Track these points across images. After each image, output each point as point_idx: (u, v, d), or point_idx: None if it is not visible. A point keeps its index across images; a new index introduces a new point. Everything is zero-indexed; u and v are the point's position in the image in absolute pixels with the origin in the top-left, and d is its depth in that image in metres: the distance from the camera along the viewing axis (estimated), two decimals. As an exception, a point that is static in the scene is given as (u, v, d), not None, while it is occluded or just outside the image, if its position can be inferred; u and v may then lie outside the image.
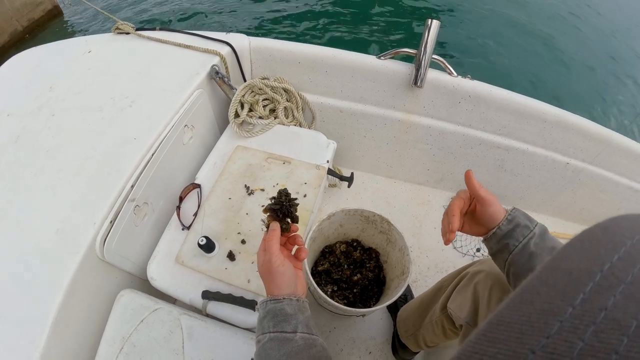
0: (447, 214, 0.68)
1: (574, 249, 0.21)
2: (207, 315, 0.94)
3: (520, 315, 0.18)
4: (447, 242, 0.68)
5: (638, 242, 0.19)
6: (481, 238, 0.70)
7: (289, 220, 0.72)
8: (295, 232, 0.73)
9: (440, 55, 1.22)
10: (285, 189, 0.72)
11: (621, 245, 0.19)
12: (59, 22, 4.90)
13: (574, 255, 0.20)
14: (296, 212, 0.72)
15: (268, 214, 0.70)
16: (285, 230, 0.70)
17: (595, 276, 0.18)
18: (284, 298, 0.61)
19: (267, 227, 0.70)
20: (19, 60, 1.41)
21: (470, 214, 0.70)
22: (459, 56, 3.72)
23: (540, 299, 0.19)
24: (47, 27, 4.79)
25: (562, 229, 1.63)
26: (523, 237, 0.63)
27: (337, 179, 1.33)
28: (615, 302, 0.17)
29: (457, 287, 0.84)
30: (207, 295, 0.93)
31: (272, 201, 0.70)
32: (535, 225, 0.64)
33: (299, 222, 1.03)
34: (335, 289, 1.23)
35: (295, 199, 0.72)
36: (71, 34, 4.61)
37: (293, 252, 0.72)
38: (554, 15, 4.56)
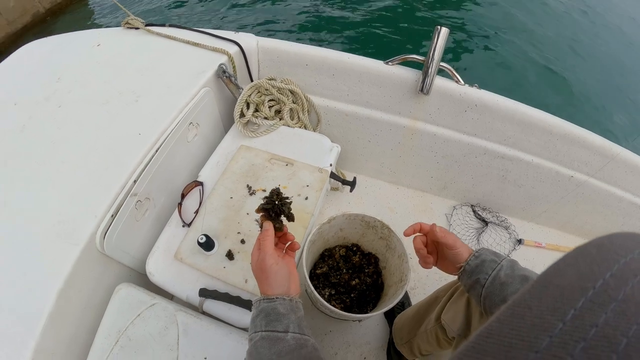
0: (417, 253, 0.78)
1: (567, 265, 0.21)
2: (203, 313, 0.94)
3: (511, 328, 0.18)
4: (425, 266, 0.78)
5: (631, 260, 0.20)
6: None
7: (282, 219, 0.72)
8: (286, 231, 0.74)
9: (449, 63, 1.22)
10: (278, 188, 0.73)
11: (614, 263, 0.19)
12: (80, 6, 4.96)
13: (566, 270, 0.21)
14: (290, 210, 0.73)
15: (261, 213, 0.71)
16: (278, 229, 0.71)
17: (587, 292, 0.18)
18: (277, 297, 0.62)
19: (261, 226, 0.71)
20: (28, 50, 1.42)
21: (441, 253, 0.77)
22: (468, 65, 3.70)
23: (531, 313, 0.19)
24: (68, 11, 4.85)
25: (564, 242, 1.62)
26: (492, 270, 0.65)
27: (339, 183, 1.32)
28: (607, 319, 0.17)
29: (451, 299, 0.84)
30: (204, 293, 0.93)
31: (265, 201, 0.71)
32: (503, 259, 0.67)
33: (299, 225, 1.04)
34: (333, 292, 1.22)
35: (287, 197, 0.73)
36: (90, 20, 4.67)
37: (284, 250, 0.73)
38: (569, 26, 4.53)
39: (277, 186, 1.10)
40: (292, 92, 1.37)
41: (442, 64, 1.19)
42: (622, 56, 4.23)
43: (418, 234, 0.78)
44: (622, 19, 4.94)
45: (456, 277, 0.75)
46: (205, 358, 0.84)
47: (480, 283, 0.66)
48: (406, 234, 0.77)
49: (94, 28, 1.53)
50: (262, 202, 0.71)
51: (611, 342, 0.16)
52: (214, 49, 1.30)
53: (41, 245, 0.89)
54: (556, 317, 0.18)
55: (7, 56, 1.40)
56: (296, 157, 1.20)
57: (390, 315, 1.30)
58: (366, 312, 1.17)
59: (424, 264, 0.77)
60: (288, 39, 1.38)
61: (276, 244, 0.73)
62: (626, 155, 1.28)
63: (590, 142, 1.27)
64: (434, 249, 0.78)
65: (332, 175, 1.21)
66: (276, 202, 0.71)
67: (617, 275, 0.19)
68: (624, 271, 0.19)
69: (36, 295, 0.83)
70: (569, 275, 0.20)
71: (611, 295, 0.18)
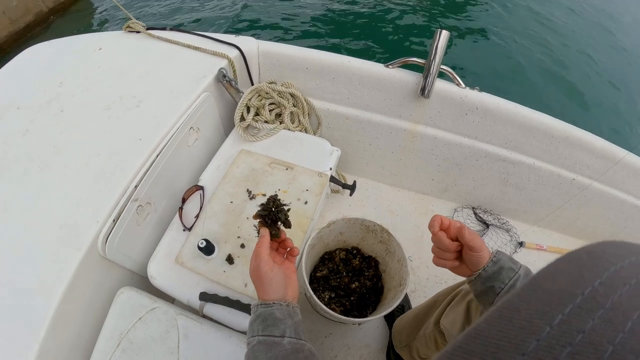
0: (438, 250, 0.72)
1: (557, 270, 0.21)
2: (204, 317, 0.95)
3: (498, 330, 0.19)
4: (441, 265, 0.73)
5: (621, 268, 0.20)
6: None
7: (279, 225, 0.73)
8: (284, 238, 0.74)
9: (449, 66, 1.21)
10: (275, 195, 0.73)
11: (604, 271, 0.20)
12: (84, 5, 4.98)
13: (557, 275, 0.21)
14: (287, 217, 0.73)
15: (258, 220, 0.72)
16: (275, 236, 0.72)
17: (576, 298, 0.18)
18: (274, 303, 0.63)
19: (259, 232, 0.72)
20: (30, 55, 1.43)
21: (458, 254, 0.70)
22: (469, 67, 3.66)
23: (519, 316, 0.19)
24: (71, 10, 4.87)
25: (566, 244, 1.62)
26: (509, 279, 0.62)
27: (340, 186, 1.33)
28: (594, 325, 0.17)
29: (450, 304, 0.84)
30: (205, 297, 0.94)
31: (261, 207, 0.72)
32: (520, 267, 0.64)
33: (298, 229, 1.04)
34: (333, 295, 1.23)
35: (285, 204, 0.73)
36: (93, 19, 4.69)
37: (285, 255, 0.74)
38: (574, 26, 4.48)
39: (276, 192, 1.12)
40: (292, 95, 1.37)
41: (442, 66, 1.19)
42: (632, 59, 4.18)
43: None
44: (626, 21, 4.88)
45: (458, 280, 0.73)
46: (205, 362, 0.85)
47: (494, 291, 0.63)
48: (434, 232, 0.69)
49: (97, 26, 1.55)
50: (259, 208, 0.72)
51: (597, 349, 0.16)
52: (215, 53, 1.31)
53: (44, 250, 0.90)
54: (544, 321, 0.18)
55: (10, 55, 1.41)
56: (296, 161, 1.21)
57: (390, 318, 1.30)
58: (366, 315, 1.18)
59: (441, 261, 0.71)
60: (289, 43, 1.38)
61: (276, 249, 0.74)
62: (629, 159, 1.27)
63: (592, 145, 1.27)
64: (459, 249, 0.69)
65: (332, 179, 1.21)
66: (272, 209, 0.71)
67: (607, 283, 0.19)
68: (613, 279, 0.19)
69: (39, 298, 0.85)
70: (559, 280, 0.20)
71: (599, 302, 0.18)
